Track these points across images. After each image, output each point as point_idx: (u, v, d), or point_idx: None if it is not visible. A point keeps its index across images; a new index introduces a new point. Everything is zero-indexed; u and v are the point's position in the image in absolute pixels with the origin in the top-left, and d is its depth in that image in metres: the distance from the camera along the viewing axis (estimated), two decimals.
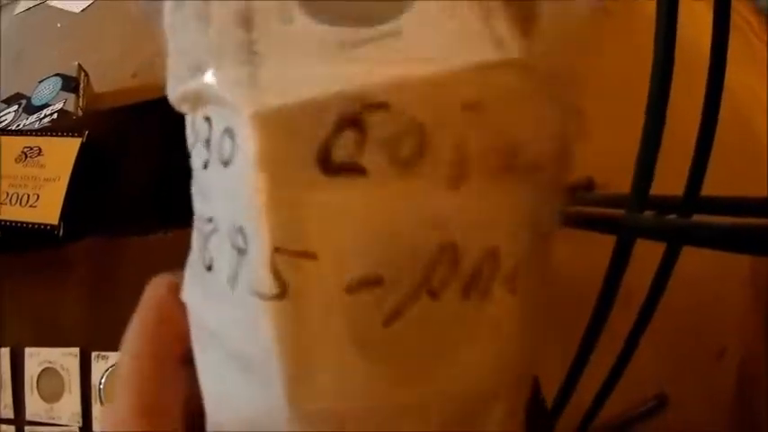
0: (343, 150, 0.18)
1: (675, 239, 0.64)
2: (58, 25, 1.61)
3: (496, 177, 0.19)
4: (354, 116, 0.17)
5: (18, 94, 1.39)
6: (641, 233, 0.61)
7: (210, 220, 0.21)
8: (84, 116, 1.10)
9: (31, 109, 1.33)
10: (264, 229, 0.18)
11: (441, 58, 0.18)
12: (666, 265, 0.68)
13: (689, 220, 0.64)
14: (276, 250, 0.18)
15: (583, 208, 0.81)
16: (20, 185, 0.73)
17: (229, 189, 0.19)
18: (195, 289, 0.23)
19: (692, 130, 0.66)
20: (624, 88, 0.93)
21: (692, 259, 0.69)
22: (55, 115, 1.29)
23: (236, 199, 0.19)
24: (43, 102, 1.33)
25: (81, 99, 1.29)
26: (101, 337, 0.68)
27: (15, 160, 0.75)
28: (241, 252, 0.19)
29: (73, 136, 0.76)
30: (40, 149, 0.75)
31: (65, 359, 0.67)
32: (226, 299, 0.20)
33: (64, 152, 0.74)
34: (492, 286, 0.20)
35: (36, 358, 0.68)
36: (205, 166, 0.21)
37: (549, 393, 0.67)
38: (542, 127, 0.20)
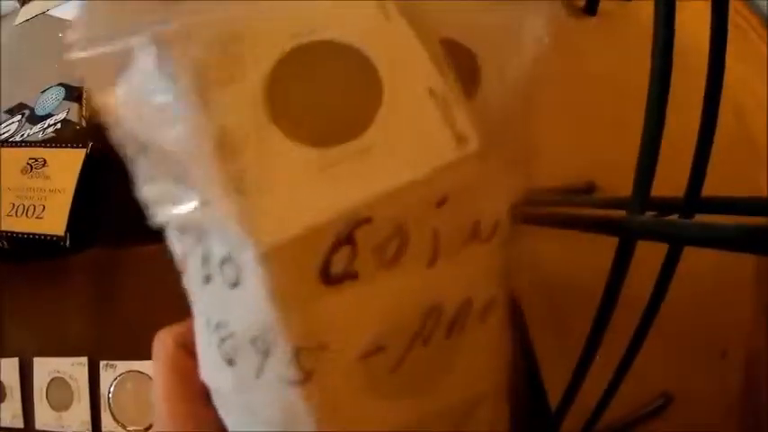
0: (339, 264, 0.20)
1: (677, 240, 0.64)
2: (60, 35, 1.62)
3: (463, 247, 0.23)
4: (346, 236, 0.20)
5: (21, 104, 1.39)
6: (643, 234, 0.62)
7: (222, 325, 0.23)
8: (88, 127, 1.10)
9: (34, 119, 1.34)
10: (286, 338, 0.21)
11: (411, 167, 0.21)
12: (669, 265, 0.68)
13: (690, 221, 0.64)
14: (297, 349, 0.21)
15: (584, 210, 0.81)
16: (26, 197, 0.73)
17: (242, 306, 0.22)
18: (215, 373, 0.26)
19: (690, 130, 0.66)
20: (621, 92, 0.93)
21: (695, 260, 0.70)
22: (58, 125, 1.29)
23: (252, 314, 0.21)
24: (46, 112, 1.33)
25: (84, 108, 1.30)
26: (108, 346, 0.69)
27: (21, 172, 0.76)
28: (265, 353, 0.22)
29: (77, 147, 0.76)
30: (44, 161, 0.76)
31: (73, 369, 0.67)
32: (253, 386, 0.23)
33: (69, 163, 0.74)
34: (467, 323, 0.24)
35: (45, 368, 0.68)
36: (207, 281, 0.23)
37: (552, 394, 0.67)
38: (497, 195, 0.23)
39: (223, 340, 0.24)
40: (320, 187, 0.20)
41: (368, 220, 0.20)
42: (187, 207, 0.22)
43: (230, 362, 0.24)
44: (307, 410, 0.22)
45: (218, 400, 0.27)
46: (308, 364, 0.22)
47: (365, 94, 0.21)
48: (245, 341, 0.22)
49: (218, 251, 0.22)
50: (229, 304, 0.23)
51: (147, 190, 0.24)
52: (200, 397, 0.27)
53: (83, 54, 0.22)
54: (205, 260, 0.23)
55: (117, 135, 0.24)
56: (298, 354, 0.21)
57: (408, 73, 0.22)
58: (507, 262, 0.25)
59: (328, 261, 0.20)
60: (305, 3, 0.22)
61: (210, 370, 0.26)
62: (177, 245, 0.25)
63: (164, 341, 0.29)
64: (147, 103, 0.22)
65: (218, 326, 0.24)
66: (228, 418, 0.26)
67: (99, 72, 0.23)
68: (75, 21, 0.23)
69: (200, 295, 0.25)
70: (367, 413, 0.24)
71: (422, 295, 0.22)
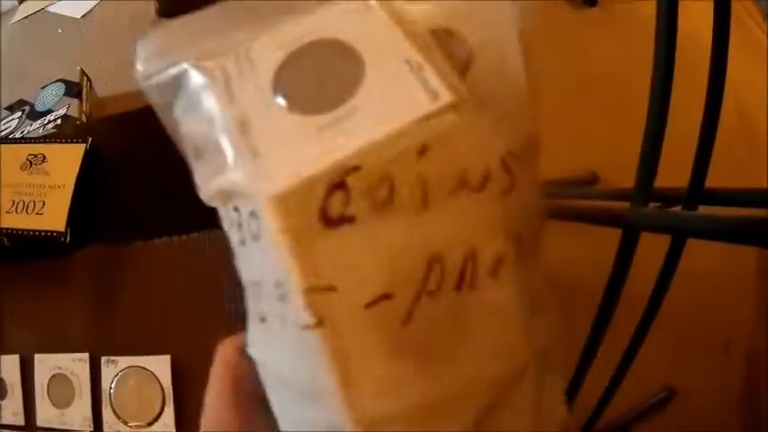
0: (336, 207, 0.24)
1: (680, 232, 0.64)
2: (59, 31, 1.61)
3: (455, 194, 0.24)
4: (338, 182, 0.24)
5: (21, 100, 1.39)
6: (646, 226, 0.61)
7: (256, 283, 0.27)
8: (87, 123, 1.10)
9: (34, 115, 1.34)
10: (296, 279, 0.24)
11: (390, 122, 0.24)
12: (672, 258, 0.68)
13: (694, 213, 0.64)
14: (307, 291, 0.24)
15: (587, 202, 0.81)
16: (25, 193, 0.73)
17: (264, 255, 0.25)
18: (256, 341, 0.28)
19: (692, 122, 0.65)
20: (624, 84, 0.92)
21: (698, 256, 0.69)
22: (59, 121, 1.29)
23: (271, 261, 0.25)
24: (47, 108, 1.33)
25: (84, 104, 1.29)
26: (108, 342, 0.69)
27: (20, 168, 0.75)
28: (283, 299, 0.25)
29: (77, 142, 0.76)
30: (44, 157, 0.76)
31: (74, 365, 0.67)
32: (281, 339, 0.26)
33: (68, 159, 0.74)
34: (478, 278, 0.25)
35: (46, 364, 0.68)
36: (242, 243, 0.27)
37: None
38: (484, 144, 0.25)
39: (258, 296, 0.27)
40: (315, 145, 0.25)
41: (356, 168, 0.24)
42: (225, 178, 0.26)
43: (263, 320, 0.27)
44: (322, 357, 0.24)
45: (262, 376, 0.28)
46: (319, 307, 0.24)
47: (353, 74, 0.26)
48: (269, 289, 0.26)
49: (244, 211, 0.26)
50: (256, 258, 0.26)
51: (205, 187, 0.28)
52: (250, 403, 0.28)
53: (146, 84, 0.29)
54: (239, 226, 0.27)
55: (181, 145, 0.29)
56: (308, 295, 0.24)
57: (386, 51, 0.27)
58: (521, 222, 0.26)
59: (326, 205, 0.24)
60: (303, 16, 0.29)
61: (254, 341, 0.28)
62: (224, 218, 0.28)
63: (225, 345, 0.30)
64: (195, 111, 0.28)
65: (252, 284, 0.27)
66: (269, 392, 0.28)
67: (161, 97, 0.29)
68: (135, 61, 0.30)
69: (241, 262, 0.28)
70: (380, 371, 0.25)
71: (419, 242, 0.24)
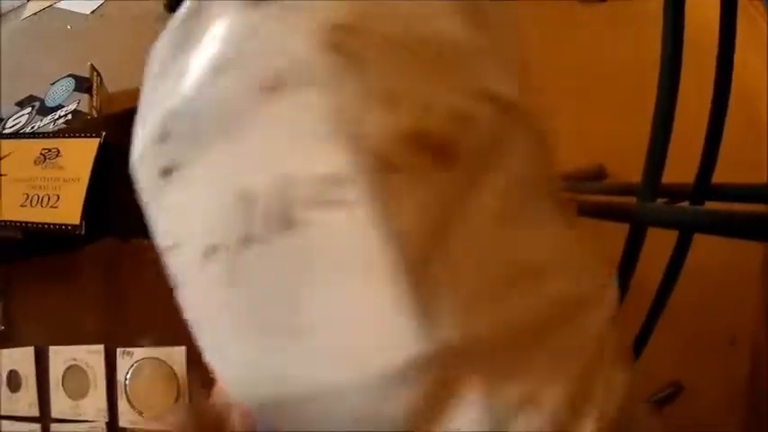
0: (165, 157, 0.22)
1: (688, 227, 0.64)
2: (68, 27, 1.62)
3: (258, 108, 0.19)
4: (167, 130, 0.22)
5: (31, 96, 1.40)
6: (654, 221, 0.62)
7: None
8: (100, 117, 1.11)
9: (44, 110, 1.34)
10: (157, 240, 0.24)
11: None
12: (679, 253, 0.69)
13: (701, 208, 0.64)
14: (166, 249, 0.24)
15: (595, 197, 0.82)
16: (39, 187, 0.74)
17: None
18: None
19: (700, 118, 0.66)
20: (633, 81, 0.93)
21: (702, 250, 0.70)
22: (69, 116, 1.30)
23: None
24: (57, 103, 1.34)
25: (95, 99, 1.30)
26: (123, 334, 0.69)
27: (34, 162, 0.76)
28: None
29: (91, 137, 0.77)
30: (58, 151, 0.76)
31: (89, 356, 0.68)
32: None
33: (82, 153, 0.75)
34: (304, 213, 0.19)
35: (61, 356, 0.69)
36: None
37: None
38: (287, 32, 0.20)
39: None
40: (157, 101, 0.23)
41: (176, 113, 0.21)
42: None
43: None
44: (193, 326, 0.23)
45: None
46: (173, 266, 0.23)
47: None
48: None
49: None
50: None
51: None
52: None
53: None
54: None
55: None
56: (167, 254, 0.23)
57: None
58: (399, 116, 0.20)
59: (159, 157, 0.22)
60: None
61: None
62: None
63: None
64: None
65: None
66: None
67: None
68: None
69: None
70: (234, 350, 0.21)
71: (229, 179, 0.20)
